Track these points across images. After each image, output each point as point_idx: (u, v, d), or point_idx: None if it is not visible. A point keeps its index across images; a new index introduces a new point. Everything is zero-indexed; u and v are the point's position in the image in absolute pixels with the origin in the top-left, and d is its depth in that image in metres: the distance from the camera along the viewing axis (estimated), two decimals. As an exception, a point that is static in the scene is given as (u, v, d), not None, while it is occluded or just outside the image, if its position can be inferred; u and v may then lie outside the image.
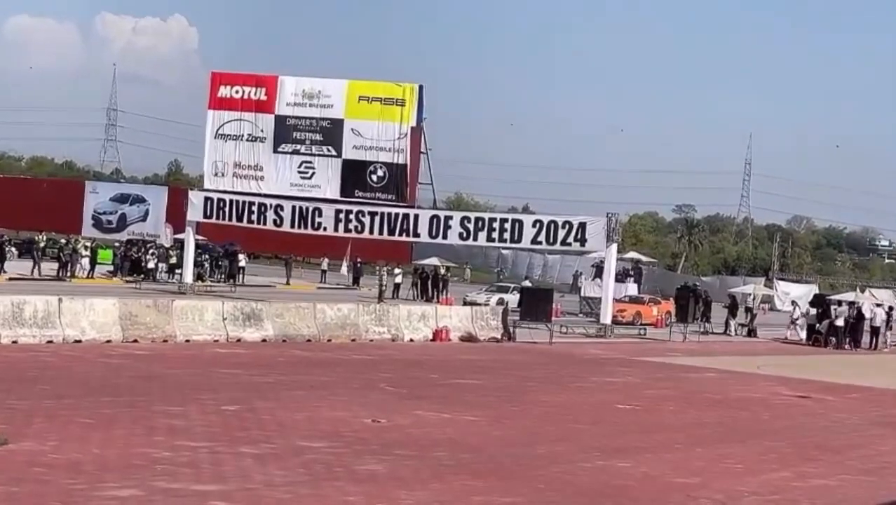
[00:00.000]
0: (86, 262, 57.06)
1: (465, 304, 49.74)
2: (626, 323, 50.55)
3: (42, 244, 58.92)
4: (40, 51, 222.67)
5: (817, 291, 67.06)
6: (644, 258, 72.08)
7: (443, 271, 65.29)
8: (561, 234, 46.71)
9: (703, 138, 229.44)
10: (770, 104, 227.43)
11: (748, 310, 56.45)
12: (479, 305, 48.75)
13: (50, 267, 55.80)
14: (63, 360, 25.40)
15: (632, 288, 60.60)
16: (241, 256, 63.51)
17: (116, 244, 65.72)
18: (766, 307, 54.67)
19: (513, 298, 53.25)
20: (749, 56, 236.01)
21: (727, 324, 54.07)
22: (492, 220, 49.18)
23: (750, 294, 59.67)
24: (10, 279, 51.35)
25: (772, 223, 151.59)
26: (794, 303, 55.60)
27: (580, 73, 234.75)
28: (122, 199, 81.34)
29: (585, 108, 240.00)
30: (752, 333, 53.10)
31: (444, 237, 49.68)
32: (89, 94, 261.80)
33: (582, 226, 46.34)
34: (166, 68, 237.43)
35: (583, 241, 46.98)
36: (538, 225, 47.47)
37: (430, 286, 62.12)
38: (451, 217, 50.28)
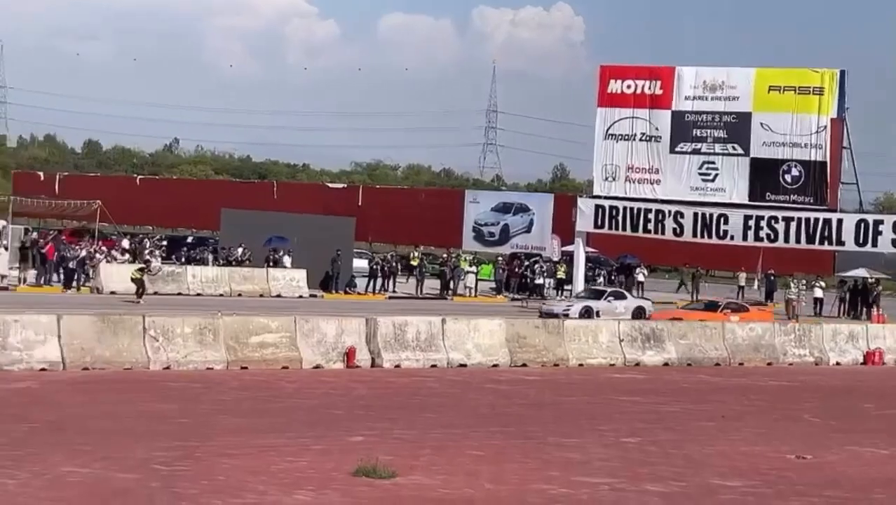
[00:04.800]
0: (470, 279, 58.54)
1: (540, 315, 42.87)
2: None
3: (416, 261, 61.15)
4: (415, 50, 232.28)
5: None
6: None
7: (872, 283, 63.00)
8: None
9: None
10: None
11: None
12: (557, 315, 42.65)
13: (431, 285, 57.82)
14: (448, 385, 26.27)
15: None
16: (638, 270, 63.66)
17: (499, 258, 67.33)
18: None
19: (603, 306, 47.69)
20: None
21: None
22: (932, 223, 47.13)
23: None
24: (391, 297, 53.69)
25: None
26: None
27: None
28: (504, 208, 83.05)
29: None
30: None
31: (874, 245, 48.09)
32: (466, 94, 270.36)
33: None
34: (549, 63, 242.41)
35: None
36: None
37: (858, 301, 60.12)
38: (881, 221, 48.62)
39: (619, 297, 50.11)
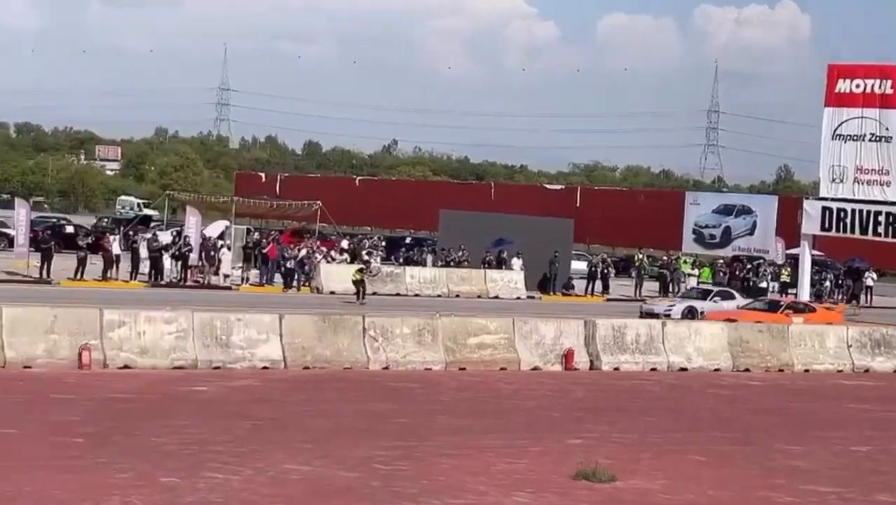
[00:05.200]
0: (691, 281, 58.07)
1: (641, 315, 42.04)
2: None
3: (638, 263, 60.72)
4: (635, 50, 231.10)
5: None
6: None
7: None
8: None
9: None
10: None
11: None
12: (658, 315, 41.10)
13: (650, 288, 57.40)
14: (668, 389, 26.07)
15: None
16: (867, 274, 62.18)
17: (720, 261, 66.53)
18: None
19: (709, 306, 45.03)
20: None
21: None
22: None
23: None
24: (609, 299, 53.50)
25: None
26: None
27: None
28: (725, 210, 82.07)
29: None
30: None
31: None
32: (687, 95, 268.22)
33: None
34: (772, 62, 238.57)
35: None
36: None
37: None
38: None
39: (728, 297, 47.79)
